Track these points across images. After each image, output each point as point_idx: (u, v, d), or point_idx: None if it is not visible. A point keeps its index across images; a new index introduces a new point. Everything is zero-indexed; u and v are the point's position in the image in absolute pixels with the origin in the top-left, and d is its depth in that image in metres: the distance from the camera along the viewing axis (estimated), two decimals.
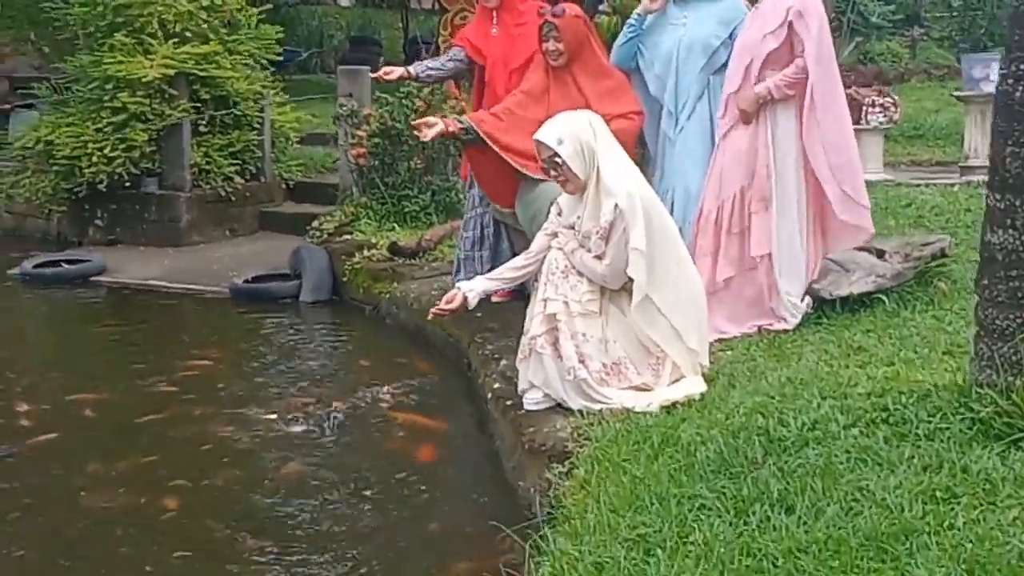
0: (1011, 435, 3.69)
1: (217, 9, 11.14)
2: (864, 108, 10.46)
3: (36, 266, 9.52)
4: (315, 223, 9.55)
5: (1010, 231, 3.73)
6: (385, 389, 6.30)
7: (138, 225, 10.75)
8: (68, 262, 9.69)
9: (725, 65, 6.11)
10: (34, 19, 15.81)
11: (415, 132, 6.46)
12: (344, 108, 9.65)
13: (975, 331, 3.93)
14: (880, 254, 6.39)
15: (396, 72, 6.89)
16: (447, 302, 5.13)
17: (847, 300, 5.92)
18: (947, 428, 3.83)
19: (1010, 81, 3.70)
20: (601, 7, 9.73)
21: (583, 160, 4.90)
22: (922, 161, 12.30)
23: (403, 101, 9.16)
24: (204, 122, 10.79)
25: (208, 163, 10.87)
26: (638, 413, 4.74)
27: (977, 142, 10.41)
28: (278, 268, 9.01)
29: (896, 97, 10.64)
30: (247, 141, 11.23)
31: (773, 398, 4.54)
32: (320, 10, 27.25)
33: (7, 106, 13.13)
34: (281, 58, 12.76)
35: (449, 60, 6.97)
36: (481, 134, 6.09)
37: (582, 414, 4.83)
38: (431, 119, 6.33)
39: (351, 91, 10.01)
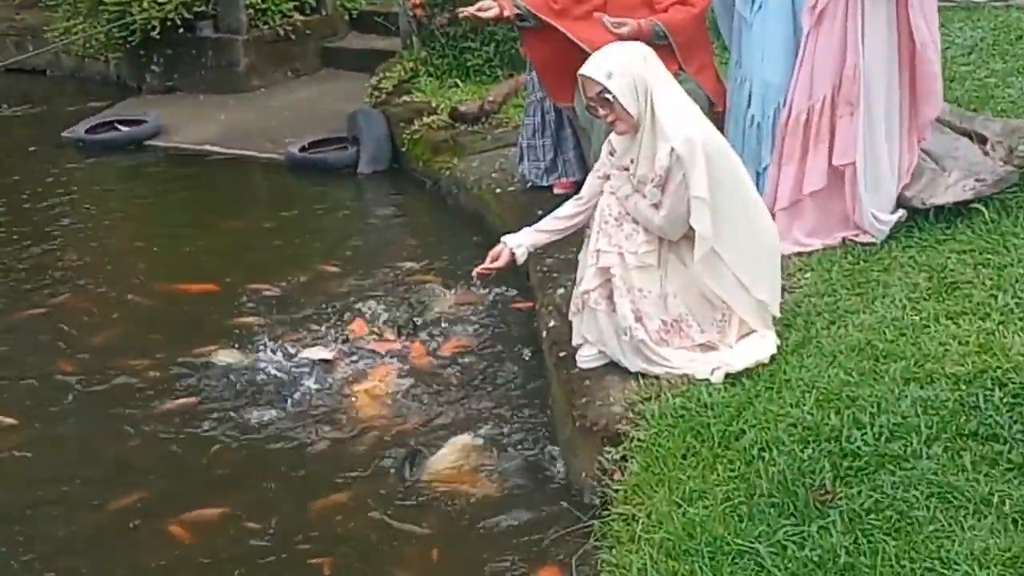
0: None
1: None
2: None
3: (89, 130, 9.15)
4: (373, 80, 9.00)
5: None
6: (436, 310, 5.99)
7: (195, 71, 10.30)
8: (122, 123, 9.29)
9: None
10: None
11: (467, 16, 5.87)
12: None
13: None
14: (983, 141, 5.78)
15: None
16: (492, 259, 4.67)
17: (942, 208, 5.36)
18: None
19: None
20: None
21: (635, 96, 4.33)
22: None
23: None
24: None
25: (264, 1, 10.29)
26: (699, 383, 4.31)
27: None
28: (336, 131, 8.51)
29: None
30: None
31: (851, 376, 4.09)
32: None
33: None
34: None
35: None
36: (541, 18, 5.62)
37: (639, 379, 4.42)
38: (486, 2, 5.76)
39: None
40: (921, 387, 3.92)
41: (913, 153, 5.39)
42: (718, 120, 5.77)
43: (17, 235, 7.30)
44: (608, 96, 4.32)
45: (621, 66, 4.35)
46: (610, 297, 4.46)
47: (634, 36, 5.45)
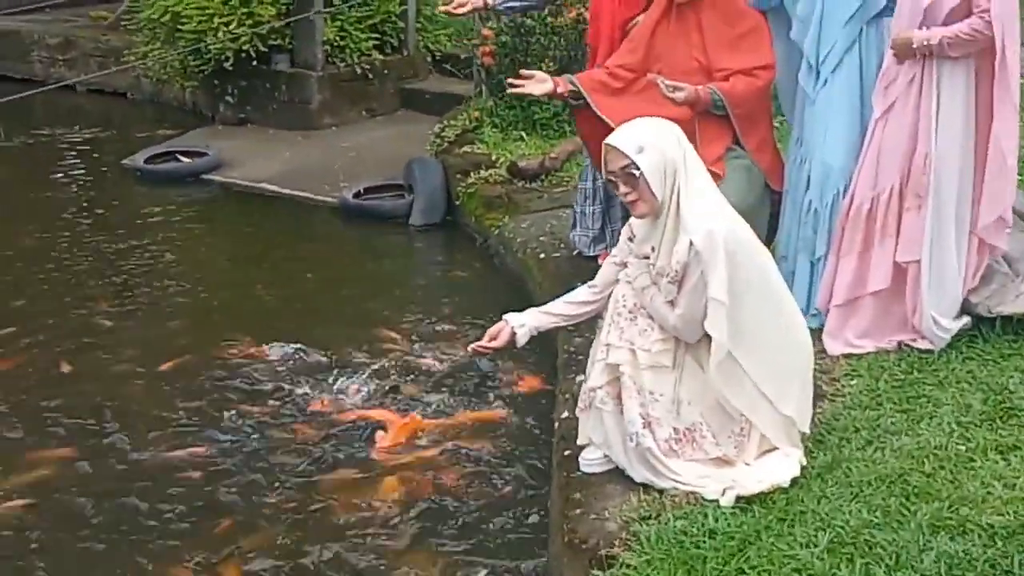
0: None
1: None
2: None
3: (149, 159, 8.94)
4: (437, 127, 8.65)
5: None
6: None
7: (268, 104, 10.03)
8: (184, 154, 9.05)
9: (885, 11, 4.92)
10: None
11: (515, 84, 5.43)
12: None
13: None
14: None
15: (469, 4, 5.90)
16: (490, 337, 4.26)
17: (1011, 318, 4.83)
18: None
19: None
20: None
21: (663, 178, 3.88)
22: None
23: None
24: None
25: (343, 38, 9.99)
26: (707, 503, 3.84)
27: None
28: (394, 178, 8.16)
29: None
30: (388, 12, 10.27)
31: (875, 515, 3.59)
32: None
33: None
34: None
35: None
36: (591, 103, 5.14)
37: (642, 492, 3.96)
38: (541, 74, 5.36)
39: None
40: (951, 538, 3.42)
41: (984, 254, 4.87)
42: (776, 201, 5.34)
43: (49, 269, 7.06)
44: (635, 172, 3.88)
45: (653, 142, 3.92)
46: (619, 397, 4.02)
47: (691, 103, 5.08)
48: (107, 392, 5.55)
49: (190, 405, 5.40)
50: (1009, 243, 4.96)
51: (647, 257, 4.02)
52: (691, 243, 3.82)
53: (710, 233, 3.80)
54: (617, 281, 4.11)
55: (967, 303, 4.84)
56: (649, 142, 3.91)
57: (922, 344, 4.82)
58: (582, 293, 4.25)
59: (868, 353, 4.84)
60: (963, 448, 3.99)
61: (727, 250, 3.80)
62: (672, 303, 3.93)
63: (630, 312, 4.03)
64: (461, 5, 5.89)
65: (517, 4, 6.04)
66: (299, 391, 5.49)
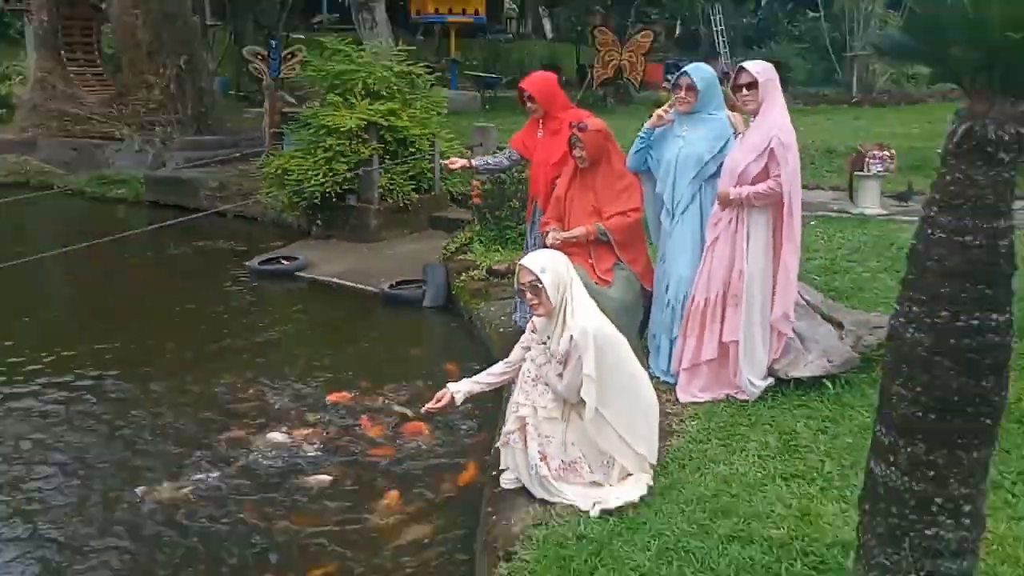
0: None
1: (404, 75, 9.93)
2: (866, 160, 8.56)
3: (261, 262, 8.66)
4: (444, 243, 8.35)
5: (892, 468, 2.29)
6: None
7: (344, 226, 9.72)
8: (285, 258, 8.78)
9: (715, 175, 4.64)
10: None
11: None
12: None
13: (853, 558, 2.51)
14: (840, 327, 4.88)
15: (459, 162, 5.66)
16: (436, 400, 3.92)
17: (801, 380, 4.47)
18: None
19: (901, 319, 2.23)
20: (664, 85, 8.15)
21: (558, 290, 3.59)
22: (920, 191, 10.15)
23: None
24: (389, 159, 9.64)
25: (392, 185, 9.72)
26: (581, 514, 3.48)
27: None
28: (417, 275, 7.85)
29: (893, 151, 8.66)
30: (422, 167, 10.04)
31: (692, 527, 3.24)
32: (525, 44, 26.00)
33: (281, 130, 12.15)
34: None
35: (505, 158, 5.70)
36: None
37: (539, 504, 3.61)
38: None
39: (481, 141, 8.70)
40: (742, 547, 3.05)
41: (781, 336, 4.53)
42: (648, 297, 5.01)
43: (176, 324, 6.79)
44: (539, 285, 3.58)
45: (552, 266, 3.63)
46: (524, 439, 3.68)
47: (584, 237, 4.77)
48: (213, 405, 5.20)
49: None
50: (799, 325, 4.65)
51: (545, 343, 3.71)
52: (571, 337, 3.50)
53: (584, 330, 3.49)
54: (524, 359, 3.79)
55: (771, 369, 4.52)
56: (549, 266, 3.63)
57: (742, 396, 4.50)
58: (499, 367, 3.93)
59: (706, 402, 4.51)
60: (760, 474, 3.65)
61: (596, 343, 3.49)
62: (560, 376, 3.60)
63: (532, 380, 3.71)
64: (453, 163, 5.69)
65: (492, 167, 5.78)
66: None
